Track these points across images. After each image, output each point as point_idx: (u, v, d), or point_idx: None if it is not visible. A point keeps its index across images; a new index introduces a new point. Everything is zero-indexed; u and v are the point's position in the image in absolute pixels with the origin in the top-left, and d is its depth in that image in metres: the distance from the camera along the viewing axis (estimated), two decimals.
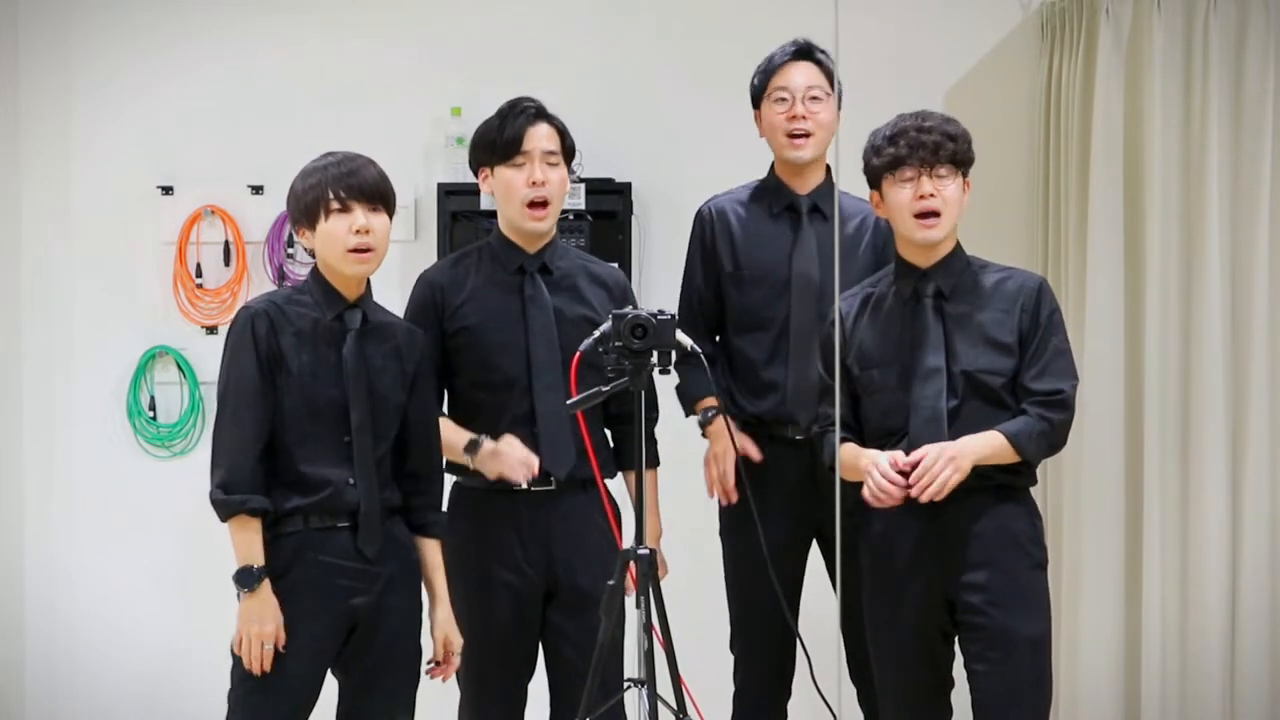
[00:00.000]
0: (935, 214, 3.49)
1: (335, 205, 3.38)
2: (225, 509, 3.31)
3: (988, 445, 3.44)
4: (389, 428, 3.47)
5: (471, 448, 3.68)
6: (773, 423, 3.92)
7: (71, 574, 5.36)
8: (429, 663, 3.56)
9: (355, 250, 3.39)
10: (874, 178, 3.56)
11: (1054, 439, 3.52)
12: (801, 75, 3.94)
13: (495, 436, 3.68)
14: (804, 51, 3.97)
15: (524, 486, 3.69)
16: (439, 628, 3.56)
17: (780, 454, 3.91)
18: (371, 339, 3.46)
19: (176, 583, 5.26)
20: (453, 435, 3.69)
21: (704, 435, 4.01)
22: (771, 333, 3.93)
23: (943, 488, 3.40)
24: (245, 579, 3.30)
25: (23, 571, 5.36)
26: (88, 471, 5.36)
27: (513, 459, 3.64)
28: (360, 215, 3.39)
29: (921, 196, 3.48)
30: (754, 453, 3.91)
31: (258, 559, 3.31)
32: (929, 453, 3.42)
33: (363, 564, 3.39)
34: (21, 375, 5.37)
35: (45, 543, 5.37)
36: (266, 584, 3.30)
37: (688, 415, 4.05)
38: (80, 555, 5.35)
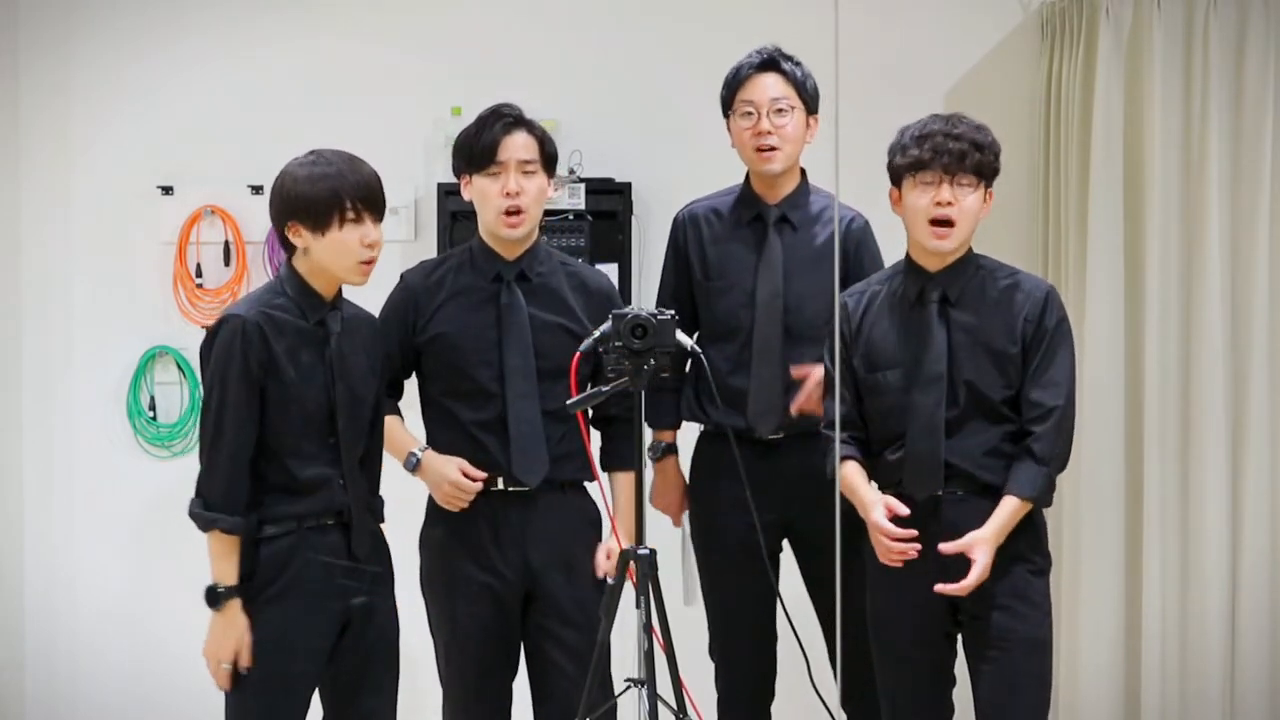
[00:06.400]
0: (950, 223, 3.45)
1: (351, 215, 3.35)
2: (200, 523, 3.31)
3: (1008, 522, 3.46)
4: (366, 424, 3.49)
5: (411, 463, 3.72)
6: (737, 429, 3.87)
7: (71, 574, 5.36)
8: None
9: (366, 263, 3.39)
10: (895, 176, 3.53)
11: (1060, 465, 3.53)
12: (766, 88, 3.89)
13: (467, 443, 3.69)
14: (769, 63, 3.91)
15: (501, 487, 3.69)
16: None
17: (745, 455, 3.76)
18: (346, 337, 3.46)
19: (176, 582, 5.24)
20: (397, 442, 3.71)
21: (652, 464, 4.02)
22: (736, 343, 3.90)
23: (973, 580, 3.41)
24: (211, 598, 3.31)
25: (23, 571, 5.36)
26: (88, 471, 5.36)
27: (442, 490, 3.67)
28: (371, 228, 3.38)
29: (939, 203, 3.44)
30: (676, 514, 4.06)
31: (228, 577, 3.30)
32: (980, 560, 3.40)
33: (354, 563, 3.41)
34: (21, 375, 5.36)
35: (45, 543, 5.37)
36: (234, 604, 3.29)
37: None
38: (80, 555, 5.35)
